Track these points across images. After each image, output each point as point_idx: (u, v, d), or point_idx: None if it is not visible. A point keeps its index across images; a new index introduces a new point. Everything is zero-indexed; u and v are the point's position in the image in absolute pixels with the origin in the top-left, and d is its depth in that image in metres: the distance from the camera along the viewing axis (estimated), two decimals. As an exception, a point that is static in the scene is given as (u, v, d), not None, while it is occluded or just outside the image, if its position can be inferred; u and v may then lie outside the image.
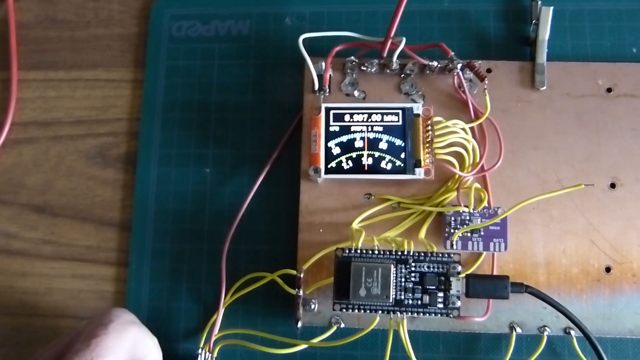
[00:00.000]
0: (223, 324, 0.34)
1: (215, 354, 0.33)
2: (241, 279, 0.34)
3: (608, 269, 0.33)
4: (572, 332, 0.32)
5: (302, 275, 0.33)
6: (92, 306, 0.37)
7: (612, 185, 0.34)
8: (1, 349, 0.37)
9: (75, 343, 0.29)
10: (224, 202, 0.37)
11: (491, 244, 0.32)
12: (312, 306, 0.33)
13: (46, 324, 0.37)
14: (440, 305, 0.30)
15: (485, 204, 0.33)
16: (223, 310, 0.34)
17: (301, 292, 0.33)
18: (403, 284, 0.30)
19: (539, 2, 0.37)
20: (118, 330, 0.29)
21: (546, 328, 0.32)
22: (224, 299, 0.34)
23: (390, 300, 0.30)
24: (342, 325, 0.33)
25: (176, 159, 0.38)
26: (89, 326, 0.30)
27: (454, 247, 0.33)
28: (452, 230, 0.33)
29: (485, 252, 0.33)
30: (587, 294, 0.33)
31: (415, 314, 0.30)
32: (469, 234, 0.33)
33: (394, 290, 0.30)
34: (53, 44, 0.41)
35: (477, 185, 0.33)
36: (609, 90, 0.35)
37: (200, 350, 0.33)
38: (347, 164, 0.33)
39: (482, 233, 0.32)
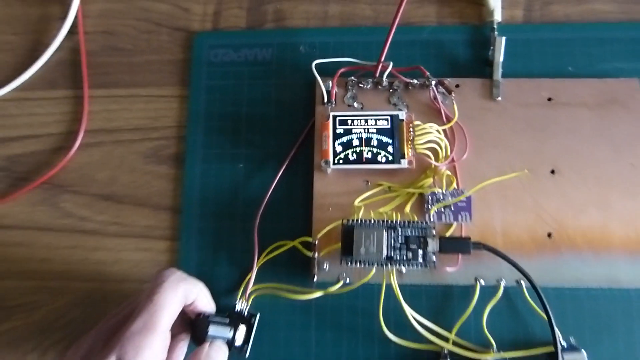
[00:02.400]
0: (256, 280, 0.40)
1: (249, 302, 0.40)
2: (269, 247, 0.41)
3: (549, 235, 0.41)
4: (523, 283, 0.39)
5: (316, 242, 0.40)
6: (151, 272, 0.42)
7: (552, 172, 0.42)
8: (78, 307, 0.42)
9: (140, 302, 0.33)
10: (254, 190, 0.43)
11: (459, 216, 0.41)
12: (325, 266, 0.40)
13: (114, 287, 0.42)
14: (421, 260, 0.38)
15: (454, 186, 0.41)
16: (256, 270, 0.41)
17: (316, 255, 0.40)
18: (393, 244, 0.38)
19: (496, 33, 0.46)
20: (171, 287, 0.34)
21: (502, 279, 0.40)
22: (257, 261, 0.40)
23: (384, 257, 0.37)
24: (348, 280, 0.41)
25: (216, 157, 0.44)
26: (147, 287, 0.34)
27: (432, 219, 0.41)
28: (429, 206, 0.41)
29: (455, 223, 0.41)
30: (534, 254, 0.40)
31: (402, 266, 0.38)
32: (442, 209, 0.41)
33: (386, 249, 0.38)
34: (115, 68, 0.48)
35: (449, 172, 0.41)
36: (550, 99, 0.44)
37: (238, 300, 0.39)
38: (352, 156, 0.41)
39: (452, 208, 0.41)
